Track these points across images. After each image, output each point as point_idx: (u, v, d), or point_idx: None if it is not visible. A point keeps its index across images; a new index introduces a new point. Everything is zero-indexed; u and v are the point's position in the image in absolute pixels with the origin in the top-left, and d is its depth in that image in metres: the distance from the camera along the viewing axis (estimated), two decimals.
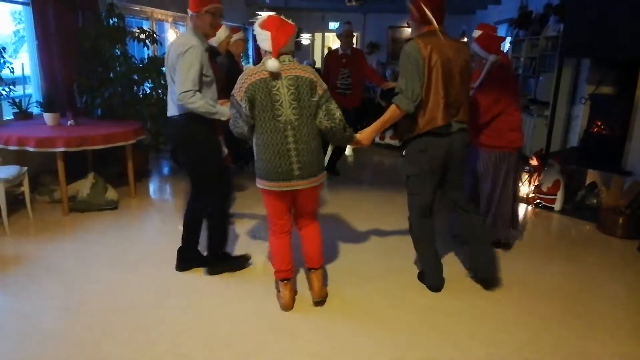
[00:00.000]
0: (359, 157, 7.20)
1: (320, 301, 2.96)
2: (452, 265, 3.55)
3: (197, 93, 2.90)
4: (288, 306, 2.91)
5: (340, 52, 5.58)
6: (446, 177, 3.07)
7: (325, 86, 2.74)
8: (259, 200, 3.06)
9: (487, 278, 3.25)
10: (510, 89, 3.49)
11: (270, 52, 2.61)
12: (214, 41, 4.07)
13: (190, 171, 3.24)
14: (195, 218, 3.30)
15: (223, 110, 2.96)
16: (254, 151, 2.78)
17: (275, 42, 2.58)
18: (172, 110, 3.11)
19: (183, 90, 2.86)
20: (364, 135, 3.01)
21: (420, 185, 3.03)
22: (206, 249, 3.31)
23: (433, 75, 2.83)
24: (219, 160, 3.23)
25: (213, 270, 3.31)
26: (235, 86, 2.68)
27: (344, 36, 5.52)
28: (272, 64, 2.56)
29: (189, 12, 3.00)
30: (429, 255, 3.19)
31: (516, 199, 3.81)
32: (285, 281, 2.92)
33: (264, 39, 2.62)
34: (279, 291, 2.97)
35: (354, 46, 5.75)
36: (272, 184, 2.71)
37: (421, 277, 3.30)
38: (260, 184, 2.78)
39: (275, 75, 2.61)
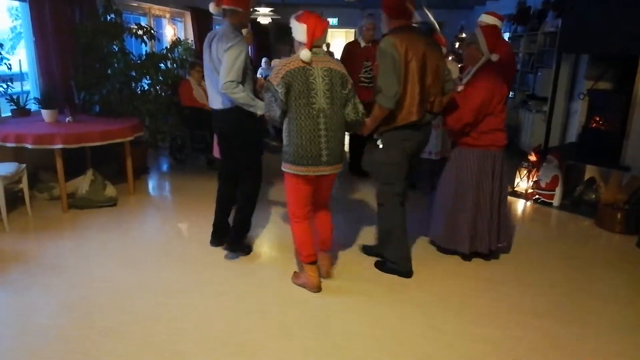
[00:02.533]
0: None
1: (328, 277, 3.22)
2: (446, 262, 3.56)
3: (240, 85, 3.10)
4: (319, 286, 3.08)
5: (363, 44, 5.44)
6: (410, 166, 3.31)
7: (352, 81, 2.94)
8: None
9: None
10: (501, 88, 3.34)
11: (304, 44, 2.79)
12: None
13: (233, 159, 3.44)
14: (231, 201, 3.58)
15: (260, 105, 3.12)
16: (284, 137, 2.90)
17: (310, 34, 2.77)
18: (217, 103, 3.32)
19: (228, 80, 3.05)
20: (365, 126, 3.15)
21: (399, 173, 3.22)
22: (233, 229, 3.53)
23: (410, 72, 3.00)
24: (261, 150, 3.42)
25: (234, 248, 3.52)
26: (272, 72, 2.83)
27: (367, 29, 5.37)
28: (305, 54, 2.75)
29: (233, 7, 3.16)
30: (403, 243, 3.32)
31: (501, 204, 3.48)
32: (314, 264, 3.08)
33: (300, 31, 2.80)
34: (304, 274, 3.11)
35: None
36: (302, 168, 2.85)
37: (382, 265, 3.39)
38: (289, 168, 2.90)
39: (309, 65, 2.78)
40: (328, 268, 3.26)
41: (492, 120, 3.34)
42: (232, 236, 3.52)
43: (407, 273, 3.31)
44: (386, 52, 2.98)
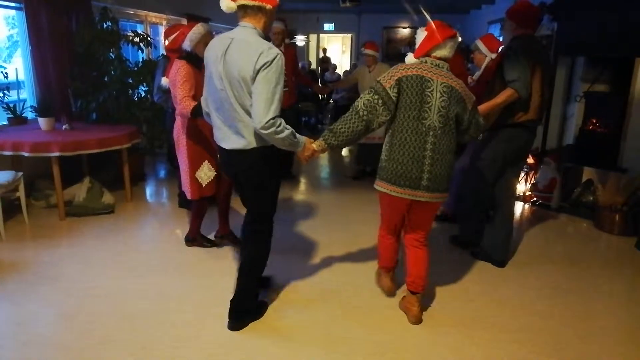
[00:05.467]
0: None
1: (417, 323, 2.82)
2: (447, 265, 3.55)
3: (282, 119, 2.32)
4: (391, 290, 3.10)
5: None
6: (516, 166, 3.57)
7: (473, 98, 2.66)
8: None
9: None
10: None
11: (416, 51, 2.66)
12: (187, 43, 3.36)
13: (258, 208, 2.67)
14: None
15: (302, 140, 2.50)
16: (384, 150, 2.63)
17: (423, 42, 2.60)
18: (232, 142, 2.46)
19: (271, 117, 2.25)
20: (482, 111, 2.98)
21: (495, 172, 3.46)
22: (236, 300, 2.75)
23: (536, 75, 3.23)
24: (276, 200, 2.74)
25: (242, 323, 2.77)
26: (385, 74, 2.57)
27: (273, 33, 5.30)
28: (408, 58, 2.65)
29: (258, 3, 2.35)
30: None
31: None
32: (388, 272, 3.10)
33: (418, 38, 2.66)
34: (380, 277, 3.15)
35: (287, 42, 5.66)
36: (397, 189, 2.57)
37: (477, 254, 3.67)
38: (384, 187, 2.62)
39: (429, 76, 2.52)
40: (417, 313, 2.80)
41: None
42: (236, 310, 2.73)
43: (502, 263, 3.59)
44: (520, 53, 3.14)
